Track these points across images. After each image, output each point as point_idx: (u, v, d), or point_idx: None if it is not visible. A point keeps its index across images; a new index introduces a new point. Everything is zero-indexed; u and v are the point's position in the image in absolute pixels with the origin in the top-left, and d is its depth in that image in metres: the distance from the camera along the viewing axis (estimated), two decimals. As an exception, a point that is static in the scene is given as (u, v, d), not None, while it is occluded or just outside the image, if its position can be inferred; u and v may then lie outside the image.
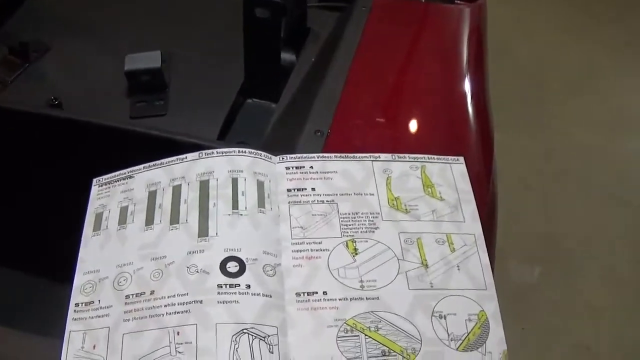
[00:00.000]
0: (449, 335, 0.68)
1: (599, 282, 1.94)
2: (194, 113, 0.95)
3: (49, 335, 0.71)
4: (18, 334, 0.71)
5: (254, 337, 0.66)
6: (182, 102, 0.97)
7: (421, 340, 0.68)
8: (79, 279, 0.73)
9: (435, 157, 0.81)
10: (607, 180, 2.20)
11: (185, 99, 0.98)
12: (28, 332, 0.71)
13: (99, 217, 0.76)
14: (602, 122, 2.40)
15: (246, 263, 0.69)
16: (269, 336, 0.66)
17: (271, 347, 0.66)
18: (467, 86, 0.98)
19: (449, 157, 0.81)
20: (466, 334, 0.68)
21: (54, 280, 0.84)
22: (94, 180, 0.80)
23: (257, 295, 0.68)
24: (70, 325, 0.69)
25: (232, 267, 0.69)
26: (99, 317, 0.69)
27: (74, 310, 0.70)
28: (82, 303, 0.71)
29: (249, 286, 0.68)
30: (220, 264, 0.69)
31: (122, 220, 0.75)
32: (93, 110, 0.91)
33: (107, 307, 0.69)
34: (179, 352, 0.65)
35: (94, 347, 0.67)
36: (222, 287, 0.68)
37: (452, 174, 0.79)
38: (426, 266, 0.72)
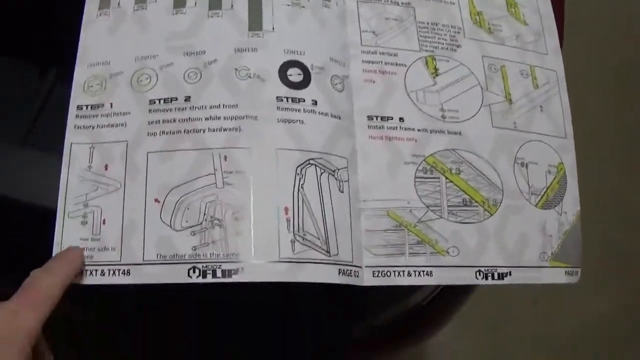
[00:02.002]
0: (529, 187, 0.53)
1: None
2: None
3: (43, 150, 0.48)
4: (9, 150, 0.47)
5: (322, 171, 0.46)
6: None
7: (503, 191, 0.51)
8: (81, 73, 0.49)
9: (518, -31, 0.60)
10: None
11: None
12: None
13: (106, -10, 0.51)
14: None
15: (311, 71, 0.48)
16: (338, 170, 0.47)
17: (341, 183, 0.46)
18: None
19: None
20: (545, 189, 0.53)
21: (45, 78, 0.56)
22: None
23: (325, 115, 0.47)
24: (71, 134, 0.46)
25: (295, 74, 0.48)
26: (112, 126, 0.46)
27: (76, 115, 0.47)
28: (87, 105, 0.47)
29: (315, 102, 0.47)
30: (280, 69, 0.47)
31: (140, -4, 0.50)
32: None
33: (124, 114, 0.47)
34: (228, 184, 0.44)
35: (106, 167, 0.45)
36: (282, 100, 0.46)
37: None
38: (510, 101, 0.54)
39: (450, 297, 0.60)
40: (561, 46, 0.60)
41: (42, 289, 0.39)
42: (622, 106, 1.46)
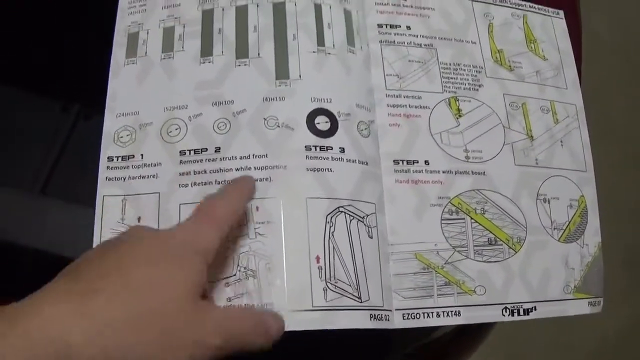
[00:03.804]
0: (552, 222, 0.52)
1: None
2: None
3: (74, 202, 0.47)
4: (32, 199, 0.46)
5: (351, 218, 0.45)
6: None
7: (526, 228, 0.51)
8: (110, 123, 0.48)
9: (536, 6, 0.60)
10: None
11: None
12: (43, 198, 0.47)
13: (133, 39, 0.50)
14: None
15: (338, 118, 0.48)
16: (367, 216, 0.46)
17: (370, 229, 0.46)
18: None
19: (549, 9, 0.60)
20: (567, 223, 0.53)
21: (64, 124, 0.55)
22: None
23: (353, 162, 0.47)
24: (102, 186, 0.46)
25: (322, 122, 0.47)
26: (144, 177, 0.46)
27: (107, 167, 0.46)
28: (117, 157, 0.47)
29: (342, 149, 0.47)
30: (307, 117, 0.47)
31: (168, 46, 0.50)
32: None
33: (155, 165, 0.46)
34: (260, 235, 0.43)
35: (139, 219, 0.45)
36: (311, 149, 0.46)
37: (553, 29, 0.59)
38: (531, 138, 0.53)
39: (475, 329, 0.59)
40: (580, 78, 0.59)
41: (217, 209, 0.39)
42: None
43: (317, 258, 0.44)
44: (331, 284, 0.44)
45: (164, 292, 0.33)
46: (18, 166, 0.50)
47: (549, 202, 0.52)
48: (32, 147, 0.51)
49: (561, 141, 0.55)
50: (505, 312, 0.49)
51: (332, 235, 0.44)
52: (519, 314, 0.49)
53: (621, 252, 1.29)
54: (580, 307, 0.51)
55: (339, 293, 0.44)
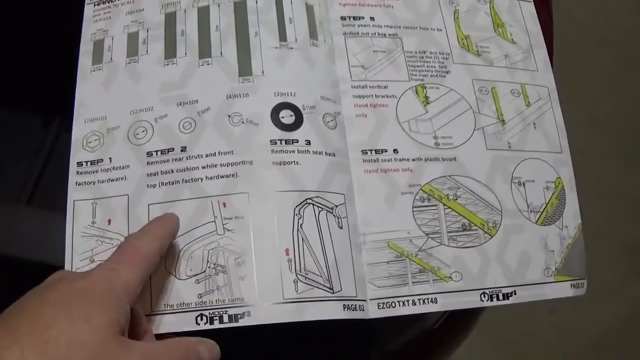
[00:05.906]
0: (528, 205, 0.52)
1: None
2: None
3: (45, 208, 0.48)
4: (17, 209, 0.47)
5: (320, 209, 0.46)
6: None
7: (501, 212, 0.51)
8: (79, 129, 0.49)
9: (503, -12, 0.60)
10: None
11: None
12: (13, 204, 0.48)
13: (99, 46, 0.51)
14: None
15: (303, 112, 0.48)
16: (336, 207, 0.47)
17: (339, 220, 0.46)
18: None
19: None
20: (544, 205, 0.53)
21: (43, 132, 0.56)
22: None
23: (320, 153, 0.47)
24: (73, 191, 0.47)
25: (287, 116, 0.48)
26: (113, 180, 0.47)
27: (77, 172, 0.47)
28: (86, 162, 0.48)
29: (308, 142, 0.47)
30: (271, 112, 0.48)
31: (132, 50, 0.51)
32: None
33: (123, 168, 0.47)
34: (228, 230, 0.44)
35: (109, 222, 0.45)
36: (276, 143, 0.46)
37: (521, 13, 0.59)
38: (503, 122, 0.53)
39: (462, 318, 0.59)
40: (551, 60, 0.59)
41: (138, 247, 0.40)
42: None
43: (287, 251, 0.44)
44: (302, 275, 0.44)
45: (78, 335, 0.33)
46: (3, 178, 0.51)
47: (524, 185, 0.53)
48: (16, 159, 0.52)
49: (534, 123, 0.55)
50: (484, 297, 0.49)
51: (301, 227, 0.45)
52: (498, 299, 0.49)
53: (621, 239, 1.28)
54: (563, 290, 0.52)
55: (310, 285, 0.44)
